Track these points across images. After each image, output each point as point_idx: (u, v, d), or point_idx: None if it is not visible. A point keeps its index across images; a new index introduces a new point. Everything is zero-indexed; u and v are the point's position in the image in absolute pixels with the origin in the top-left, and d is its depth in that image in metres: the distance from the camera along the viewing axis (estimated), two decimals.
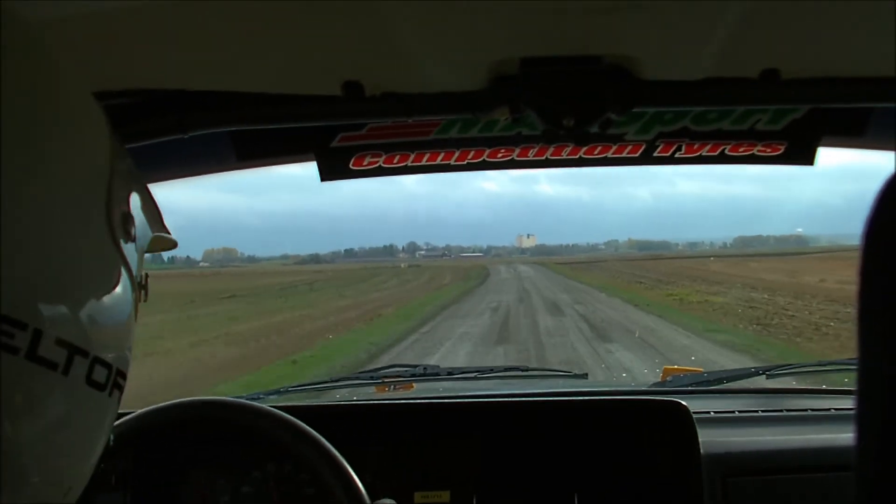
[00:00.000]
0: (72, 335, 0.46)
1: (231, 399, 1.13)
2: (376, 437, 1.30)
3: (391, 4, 0.65)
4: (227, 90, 0.88)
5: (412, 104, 0.89)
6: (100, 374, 0.48)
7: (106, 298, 0.50)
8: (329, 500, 1.01)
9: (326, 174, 1.07)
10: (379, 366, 1.92)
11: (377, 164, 1.07)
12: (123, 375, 0.52)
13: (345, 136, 1.05)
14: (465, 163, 1.08)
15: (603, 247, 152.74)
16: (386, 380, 1.77)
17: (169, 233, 0.62)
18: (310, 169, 1.07)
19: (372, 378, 1.80)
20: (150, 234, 0.58)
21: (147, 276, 0.56)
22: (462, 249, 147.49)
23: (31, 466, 0.46)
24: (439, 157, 1.08)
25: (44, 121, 0.47)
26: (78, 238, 0.48)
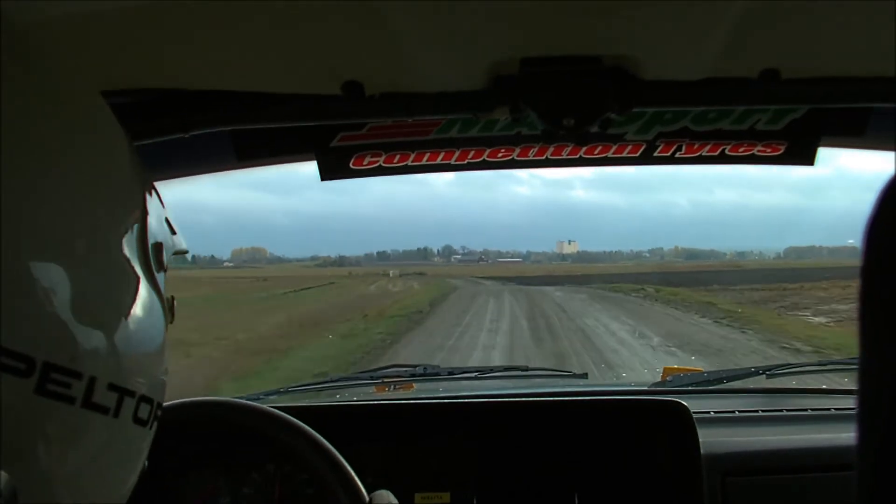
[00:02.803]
0: (121, 378, 0.47)
1: (230, 399, 1.13)
2: (376, 438, 1.30)
3: (391, 4, 0.65)
4: (228, 90, 0.88)
5: (412, 104, 0.89)
6: (144, 410, 0.50)
7: (147, 336, 0.51)
8: (329, 501, 1.01)
9: (326, 173, 1.07)
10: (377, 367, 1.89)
11: (377, 164, 1.07)
12: (161, 406, 0.53)
13: (345, 136, 1.05)
14: (465, 162, 1.08)
15: (647, 255, 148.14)
16: (386, 380, 1.77)
17: (183, 245, 0.63)
18: None
19: (372, 378, 1.80)
20: (171, 251, 0.59)
21: (173, 298, 0.57)
22: (500, 254, 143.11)
23: (67, 500, 0.46)
24: (439, 157, 1.08)
25: (62, 136, 0.47)
26: (121, 278, 0.49)
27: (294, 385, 1.77)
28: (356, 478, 1.01)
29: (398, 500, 0.97)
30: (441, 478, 1.28)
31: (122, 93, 0.85)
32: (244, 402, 1.11)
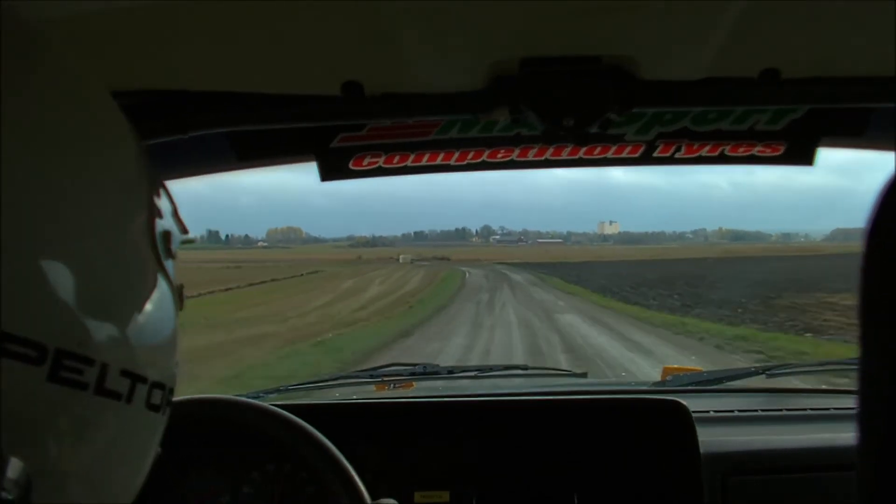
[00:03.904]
0: (133, 364, 0.47)
1: (230, 397, 1.13)
2: (376, 436, 1.30)
3: (391, 4, 0.65)
4: (227, 90, 0.88)
5: (412, 105, 0.89)
6: (157, 396, 0.50)
7: (158, 322, 0.51)
8: (329, 500, 1.01)
9: (326, 174, 1.07)
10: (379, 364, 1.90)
11: (377, 165, 1.08)
12: (173, 391, 0.53)
13: (345, 137, 1.05)
14: (464, 163, 1.08)
15: (691, 236, 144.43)
16: (385, 378, 1.77)
17: (188, 232, 0.63)
18: None
19: (371, 377, 1.80)
20: (180, 240, 0.58)
21: (182, 285, 0.57)
22: (540, 235, 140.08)
23: (81, 490, 0.46)
24: (439, 158, 1.08)
25: (70, 126, 0.47)
26: (129, 263, 0.49)
27: (294, 383, 1.77)
28: (357, 477, 1.01)
29: (398, 499, 0.97)
30: (440, 476, 1.28)
31: (122, 93, 0.85)
32: (244, 400, 1.11)
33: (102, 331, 0.45)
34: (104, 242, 0.47)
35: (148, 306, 0.50)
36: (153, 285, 0.51)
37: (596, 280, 27.78)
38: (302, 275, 36.91)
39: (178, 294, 0.55)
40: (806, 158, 1.05)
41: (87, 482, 0.46)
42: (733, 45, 0.75)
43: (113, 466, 0.49)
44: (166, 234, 0.53)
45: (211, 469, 1.23)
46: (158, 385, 0.49)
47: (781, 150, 1.05)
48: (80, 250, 0.44)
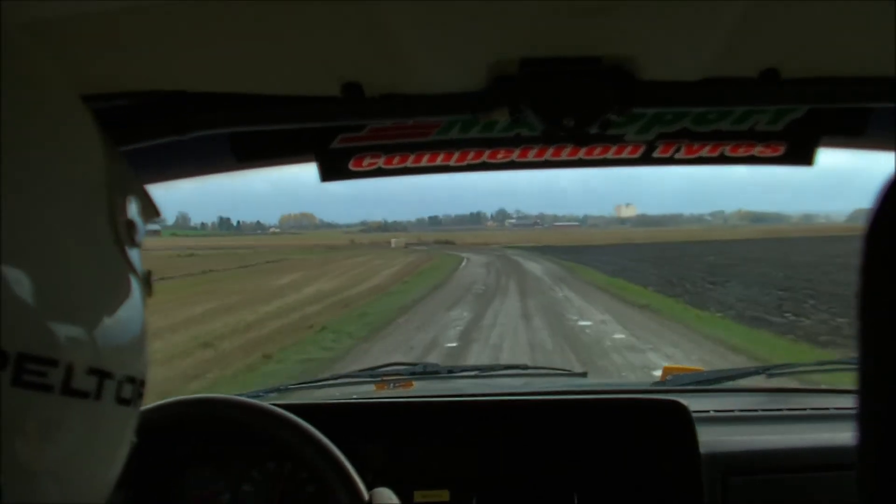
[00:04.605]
0: (101, 361, 0.46)
1: (231, 396, 1.13)
2: (376, 436, 1.30)
3: (391, 5, 0.65)
4: (227, 91, 0.88)
5: (412, 105, 0.89)
6: (127, 390, 0.48)
7: (124, 315, 0.49)
8: (329, 499, 1.02)
9: (326, 175, 1.07)
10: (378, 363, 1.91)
11: (376, 165, 1.08)
12: (144, 384, 0.52)
13: (345, 137, 1.05)
14: (464, 164, 1.08)
15: (709, 218, 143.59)
16: (385, 378, 1.78)
17: (160, 214, 0.61)
18: None
19: (371, 376, 1.80)
20: (146, 228, 0.57)
21: (150, 272, 0.55)
22: (556, 218, 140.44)
23: (53, 487, 0.46)
24: (439, 158, 1.08)
25: (35, 130, 0.46)
26: (90, 258, 0.48)
27: (294, 383, 1.77)
28: (356, 476, 1.01)
29: (398, 498, 0.97)
30: (440, 476, 1.29)
31: (121, 95, 0.85)
32: (244, 399, 1.11)
33: (66, 330, 0.43)
34: (66, 241, 0.45)
35: (113, 301, 0.48)
36: (118, 277, 0.49)
37: (642, 270, 17.53)
38: (256, 264, 32.57)
39: (147, 281, 0.53)
40: (806, 158, 1.05)
41: (58, 479, 0.45)
42: (733, 45, 0.75)
43: (84, 462, 0.48)
44: (130, 223, 0.51)
45: (211, 467, 1.23)
46: (129, 379, 0.48)
47: (781, 150, 1.05)
48: (40, 251, 0.43)
